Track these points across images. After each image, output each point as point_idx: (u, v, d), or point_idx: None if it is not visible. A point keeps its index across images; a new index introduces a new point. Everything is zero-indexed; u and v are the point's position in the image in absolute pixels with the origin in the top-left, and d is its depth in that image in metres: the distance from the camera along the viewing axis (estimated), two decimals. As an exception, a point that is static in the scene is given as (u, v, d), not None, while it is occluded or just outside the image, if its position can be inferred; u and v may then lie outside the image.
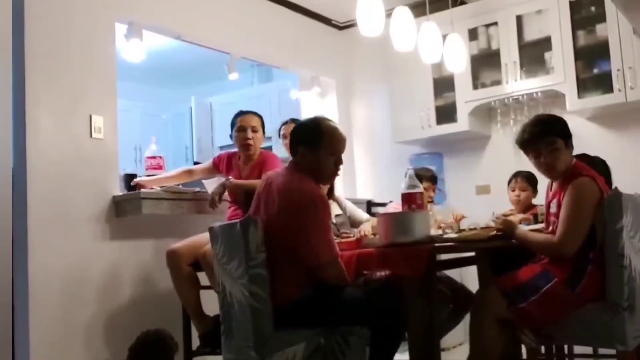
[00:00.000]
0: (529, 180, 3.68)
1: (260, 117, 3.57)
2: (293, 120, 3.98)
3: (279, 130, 3.95)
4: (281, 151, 5.44)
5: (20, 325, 3.08)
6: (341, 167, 2.57)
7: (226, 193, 3.38)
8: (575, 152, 2.64)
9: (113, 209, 3.48)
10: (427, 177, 3.67)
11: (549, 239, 2.43)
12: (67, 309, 3.24)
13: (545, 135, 2.47)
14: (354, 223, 3.43)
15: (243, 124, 3.47)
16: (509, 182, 3.77)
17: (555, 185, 2.57)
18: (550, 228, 2.52)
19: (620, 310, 2.28)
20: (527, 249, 2.56)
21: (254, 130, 3.47)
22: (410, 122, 4.86)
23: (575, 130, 2.60)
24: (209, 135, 6.79)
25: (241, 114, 3.54)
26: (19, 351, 3.08)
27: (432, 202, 3.80)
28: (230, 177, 3.41)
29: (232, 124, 3.54)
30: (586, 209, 2.36)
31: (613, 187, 2.54)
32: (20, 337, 3.08)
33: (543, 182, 3.24)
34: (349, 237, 2.89)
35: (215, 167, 3.70)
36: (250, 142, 3.45)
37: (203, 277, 3.28)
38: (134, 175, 3.71)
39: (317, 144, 2.48)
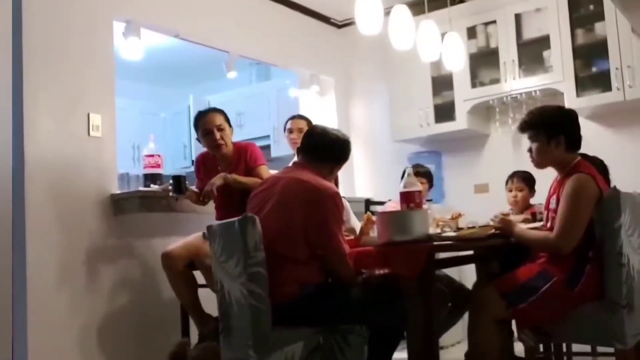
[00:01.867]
0: (526, 181, 3.65)
1: (221, 111, 3.32)
2: (300, 117, 3.96)
3: (285, 124, 3.93)
4: (282, 148, 5.45)
5: (19, 323, 3.07)
6: None
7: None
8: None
9: (111, 207, 3.48)
10: (420, 173, 3.65)
11: (547, 235, 2.43)
12: (66, 307, 3.23)
13: (529, 128, 2.55)
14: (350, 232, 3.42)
15: (207, 126, 3.23)
16: (506, 182, 3.76)
17: (556, 181, 2.57)
18: (549, 224, 2.52)
19: (618, 308, 2.28)
20: (526, 247, 2.56)
21: (220, 129, 3.23)
22: (409, 121, 4.86)
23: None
24: (208, 134, 6.76)
25: (201, 115, 3.29)
26: (18, 350, 3.08)
27: (429, 200, 3.79)
28: (227, 174, 3.21)
29: (195, 128, 3.30)
30: (583, 206, 2.35)
31: (612, 186, 2.54)
32: (19, 335, 3.08)
33: (541, 181, 3.24)
34: (347, 236, 2.88)
35: (198, 179, 3.45)
36: (221, 142, 3.23)
37: (200, 276, 3.27)
38: (182, 177, 3.32)
39: (345, 162, 2.71)
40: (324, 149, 2.62)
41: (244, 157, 3.28)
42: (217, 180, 3.12)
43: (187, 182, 3.30)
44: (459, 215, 3.18)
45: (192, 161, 6.64)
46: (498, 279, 2.54)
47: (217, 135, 3.22)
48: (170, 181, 3.28)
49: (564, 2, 4.24)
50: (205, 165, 3.40)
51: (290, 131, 3.84)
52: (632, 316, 2.31)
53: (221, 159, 3.32)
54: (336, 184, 3.24)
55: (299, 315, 2.35)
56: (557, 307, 2.37)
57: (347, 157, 2.69)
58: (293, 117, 3.93)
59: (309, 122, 3.91)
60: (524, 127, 2.57)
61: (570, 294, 2.34)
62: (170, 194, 3.28)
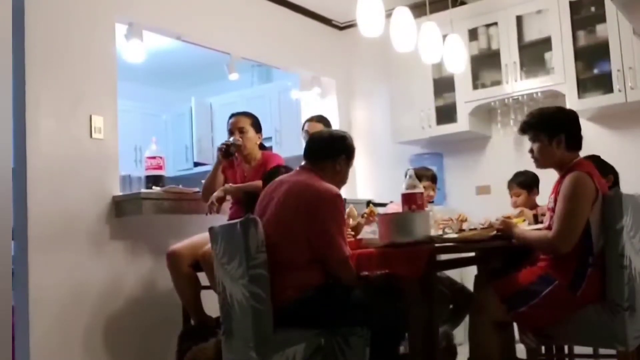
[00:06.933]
0: (522, 185, 3.72)
1: (249, 116, 3.54)
2: (319, 119, 3.93)
3: (303, 126, 3.92)
4: (284, 150, 5.46)
5: (21, 325, 3.08)
6: None
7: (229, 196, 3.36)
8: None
9: (113, 210, 3.48)
10: (427, 176, 3.66)
11: (546, 234, 2.42)
12: (67, 309, 3.24)
13: (530, 128, 2.55)
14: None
15: (231, 127, 3.48)
16: (507, 187, 3.83)
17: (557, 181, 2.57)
18: (547, 223, 2.51)
19: (620, 310, 2.28)
20: (527, 249, 2.56)
21: (242, 132, 3.45)
22: (410, 123, 4.86)
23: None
24: (209, 136, 6.78)
25: (231, 117, 3.54)
26: (19, 353, 3.08)
27: (432, 202, 3.79)
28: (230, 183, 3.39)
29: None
30: (581, 204, 2.34)
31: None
32: (21, 337, 3.08)
33: (546, 180, 3.24)
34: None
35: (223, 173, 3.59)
36: (239, 142, 3.43)
37: (204, 278, 3.28)
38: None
39: (351, 157, 2.67)
40: (321, 147, 2.65)
41: (264, 165, 3.40)
42: (218, 192, 3.28)
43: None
44: (465, 218, 3.19)
45: (194, 163, 6.71)
46: (498, 282, 2.53)
47: (237, 136, 3.43)
48: (231, 140, 3.41)
49: (565, 3, 4.24)
50: (231, 163, 3.54)
51: (307, 133, 3.84)
52: (634, 318, 2.31)
53: (245, 162, 3.50)
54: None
55: (300, 317, 2.36)
56: (558, 310, 2.36)
57: (346, 150, 2.65)
58: (311, 119, 3.91)
59: (326, 124, 3.89)
60: (524, 128, 2.58)
61: (572, 297, 2.34)
62: (224, 148, 3.40)
